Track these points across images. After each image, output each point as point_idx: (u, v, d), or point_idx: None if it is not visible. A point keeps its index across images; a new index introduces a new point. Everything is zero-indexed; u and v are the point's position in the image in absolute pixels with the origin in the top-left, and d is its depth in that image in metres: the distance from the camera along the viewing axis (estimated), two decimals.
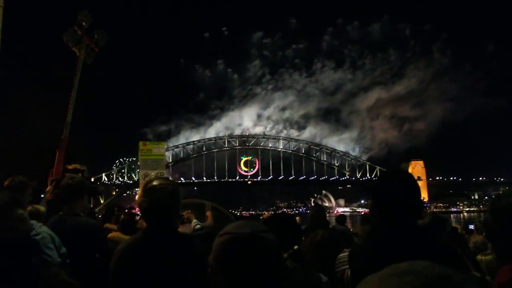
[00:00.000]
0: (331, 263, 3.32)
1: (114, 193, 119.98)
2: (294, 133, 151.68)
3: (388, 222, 2.10)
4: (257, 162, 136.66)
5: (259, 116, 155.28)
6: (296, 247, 2.74)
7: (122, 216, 6.49)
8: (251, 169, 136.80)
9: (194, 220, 6.40)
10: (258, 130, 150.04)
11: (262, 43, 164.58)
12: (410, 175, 2.25)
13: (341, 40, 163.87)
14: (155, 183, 2.61)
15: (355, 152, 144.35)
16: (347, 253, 2.32)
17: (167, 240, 2.55)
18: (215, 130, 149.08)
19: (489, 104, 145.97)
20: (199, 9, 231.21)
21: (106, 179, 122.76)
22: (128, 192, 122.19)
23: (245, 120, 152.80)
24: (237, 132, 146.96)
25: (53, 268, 3.15)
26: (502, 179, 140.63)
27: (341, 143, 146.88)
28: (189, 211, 6.65)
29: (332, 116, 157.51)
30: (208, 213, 7.84)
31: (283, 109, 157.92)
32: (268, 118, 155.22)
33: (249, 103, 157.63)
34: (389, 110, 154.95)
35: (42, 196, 6.74)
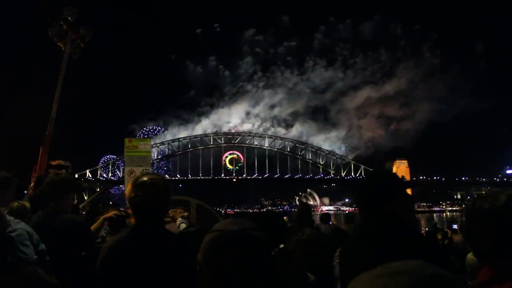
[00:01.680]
0: (318, 262, 3.34)
1: (98, 189, 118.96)
2: (281, 131, 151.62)
3: (373, 221, 2.19)
4: (242, 159, 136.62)
5: (247, 114, 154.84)
6: (282, 245, 2.75)
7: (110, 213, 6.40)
8: (236, 167, 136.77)
9: (179, 219, 6.26)
10: (246, 127, 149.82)
11: (254, 40, 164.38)
12: (393, 175, 2.35)
13: (332, 39, 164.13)
14: (145, 178, 2.59)
15: (341, 151, 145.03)
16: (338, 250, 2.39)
17: (157, 238, 2.53)
18: (202, 127, 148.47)
19: (475, 104, 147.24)
20: (191, 5, 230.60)
21: (90, 176, 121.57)
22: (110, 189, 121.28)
23: (234, 118, 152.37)
24: (225, 129, 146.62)
25: (29, 266, 3.02)
26: (484, 179, 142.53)
27: (328, 141, 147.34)
28: (174, 209, 6.55)
29: (321, 115, 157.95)
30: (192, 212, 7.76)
31: (272, 106, 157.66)
32: (257, 115, 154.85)
33: (239, 100, 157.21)
34: (377, 109, 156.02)
35: (26, 192, 6.66)
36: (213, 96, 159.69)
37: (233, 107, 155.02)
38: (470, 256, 3.97)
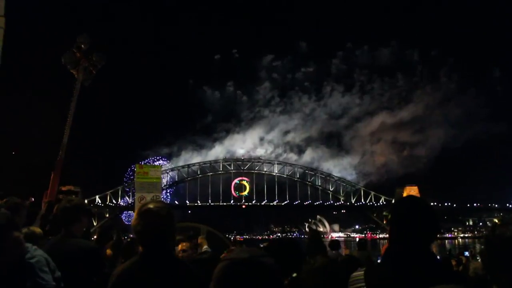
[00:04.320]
0: None
1: (107, 215, 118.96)
2: (293, 157, 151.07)
3: (403, 245, 2.23)
4: (251, 186, 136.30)
5: (261, 139, 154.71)
6: (294, 274, 2.72)
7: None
8: (246, 193, 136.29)
9: (205, 247, 6.33)
10: (259, 153, 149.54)
11: (272, 65, 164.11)
12: (425, 201, 2.39)
13: (350, 64, 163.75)
14: (149, 206, 2.62)
15: (352, 177, 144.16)
16: (362, 272, 2.41)
17: (163, 265, 2.53)
18: (216, 152, 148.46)
19: (489, 130, 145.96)
20: (210, 30, 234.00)
21: (100, 201, 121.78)
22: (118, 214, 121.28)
23: (247, 143, 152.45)
24: (238, 155, 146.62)
25: None
26: (496, 205, 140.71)
27: (340, 167, 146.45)
28: (203, 236, 6.60)
29: (334, 140, 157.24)
30: (201, 239, 7.77)
31: (286, 132, 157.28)
32: (270, 141, 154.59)
33: (254, 125, 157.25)
34: (391, 134, 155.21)
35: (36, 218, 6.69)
36: (230, 121, 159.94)
37: (247, 133, 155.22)
38: None
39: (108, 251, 6.57)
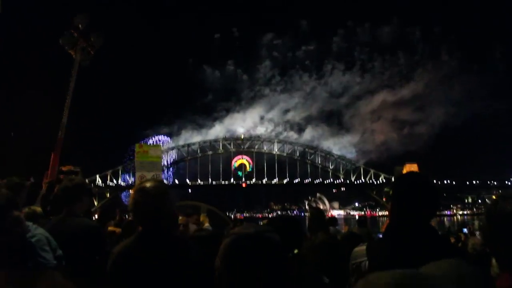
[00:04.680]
0: (331, 265, 3.32)
1: (108, 195, 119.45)
2: (293, 135, 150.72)
3: (403, 221, 2.27)
4: (251, 164, 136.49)
5: (261, 118, 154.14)
6: (296, 251, 2.75)
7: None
8: (246, 172, 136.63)
9: (206, 224, 6.36)
10: (259, 132, 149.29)
11: (273, 44, 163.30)
12: (426, 177, 2.39)
13: (351, 42, 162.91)
14: (143, 184, 2.65)
15: (352, 155, 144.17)
16: (364, 247, 2.49)
17: (161, 243, 2.55)
18: (216, 132, 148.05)
19: (490, 108, 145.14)
20: (209, 9, 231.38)
21: (100, 181, 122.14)
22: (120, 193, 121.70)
23: (247, 122, 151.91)
24: (239, 134, 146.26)
25: (49, 271, 3.11)
26: (495, 183, 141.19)
27: (340, 146, 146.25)
28: (204, 214, 6.65)
29: (335, 119, 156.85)
30: (203, 217, 7.82)
31: (286, 111, 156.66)
32: (270, 120, 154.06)
33: (254, 104, 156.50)
34: (392, 113, 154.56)
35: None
36: (230, 100, 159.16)
37: (247, 112, 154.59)
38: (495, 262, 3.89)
39: (112, 228, 6.62)
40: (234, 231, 1.62)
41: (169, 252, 2.52)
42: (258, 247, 1.51)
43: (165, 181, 2.95)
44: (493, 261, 3.94)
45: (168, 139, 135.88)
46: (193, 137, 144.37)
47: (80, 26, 13.88)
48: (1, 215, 3.00)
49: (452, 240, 11.98)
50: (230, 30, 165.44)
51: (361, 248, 2.49)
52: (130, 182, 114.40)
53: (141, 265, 2.46)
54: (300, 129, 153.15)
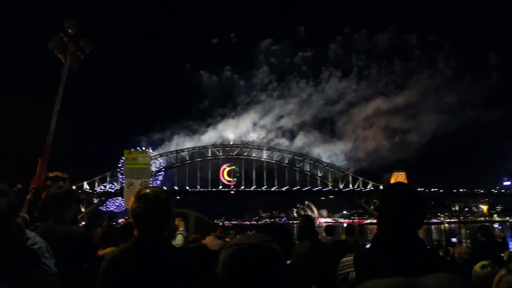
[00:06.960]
0: (319, 274, 3.33)
1: (95, 201, 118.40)
2: (285, 142, 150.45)
3: (390, 231, 2.31)
4: (239, 171, 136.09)
5: (254, 124, 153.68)
6: (288, 261, 2.77)
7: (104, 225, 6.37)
8: (234, 179, 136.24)
9: (180, 229, 6.30)
10: (251, 138, 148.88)
11: (270, 50, 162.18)
12: (412, 188, 2.45)
13: (348, 49, 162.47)
14: (147, 190, 2.64)
15: (342, 163, 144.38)
16: (351, 258, 2.50)
17: (159, 250, 2.55)
18: (208, 137, 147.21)
19: (480, 117, 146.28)
20: (208, 15, 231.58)
21: (88, 187, 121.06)
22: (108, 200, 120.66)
23: (240, 128, 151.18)
24: (229, 140, 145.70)
25: (51, 278, 3.08)
26: (482, 191, 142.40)
27: (330, 153, 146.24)
28: (180, 218, 6.58)
29: (328, 125, 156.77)
30: (177, 221, 7.60)
31: (280, 117, 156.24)
32: (263, 126, 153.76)
33: (249, 110, 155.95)
34: (384, 120, 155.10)
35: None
36: (226, 106, 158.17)
37: (242, 118, 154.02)
38: (477, 267, 3.93)
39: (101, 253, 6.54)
40: (236, 241, 1.66)
41: (166, 259, 2.52)
42: (261, 257, 1.55)
43: None
44: (475, 267, 4.01)
45: (152, 151, 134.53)
46: (185, 143, 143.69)
47: (70, 30, 13.83)
48: (6, 222, 2.96)
49: (441, 253, 12.00)
50: (228, 35, 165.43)
51: (349, 258, 2.51)
52: (118, 189, 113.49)
53: (136, 271, 2.45)
54: (292, 136, 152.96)
